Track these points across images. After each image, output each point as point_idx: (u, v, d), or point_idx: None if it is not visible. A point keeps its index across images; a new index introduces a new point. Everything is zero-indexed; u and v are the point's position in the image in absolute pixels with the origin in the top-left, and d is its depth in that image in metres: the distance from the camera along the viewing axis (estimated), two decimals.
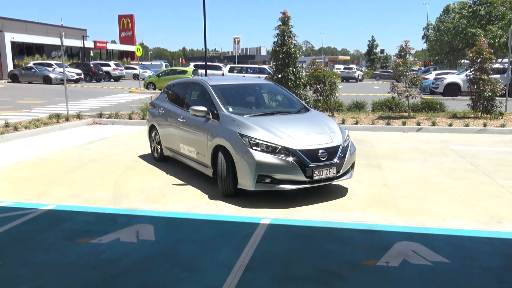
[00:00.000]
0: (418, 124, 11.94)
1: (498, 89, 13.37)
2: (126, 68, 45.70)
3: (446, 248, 4.22)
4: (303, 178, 5.41)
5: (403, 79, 13.99)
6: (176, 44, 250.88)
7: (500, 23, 25.67)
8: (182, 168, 7.44)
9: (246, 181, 5.49)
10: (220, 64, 33.89)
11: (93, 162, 7.97)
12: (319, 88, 13.82)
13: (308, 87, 14.26)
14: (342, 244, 4.34)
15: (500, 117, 13.11)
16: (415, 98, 14.08)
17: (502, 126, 11.57)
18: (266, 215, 5.17)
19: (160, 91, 9.63)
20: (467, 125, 11.79)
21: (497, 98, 13.54)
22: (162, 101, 8.03)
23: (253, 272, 3.74)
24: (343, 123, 12.17)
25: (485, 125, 11.73)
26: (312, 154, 5.45)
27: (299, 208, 5.43)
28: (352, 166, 6.08)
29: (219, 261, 3.95)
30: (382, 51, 74.97)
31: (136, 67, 40.70)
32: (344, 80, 45.59)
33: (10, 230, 4.71)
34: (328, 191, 6.13)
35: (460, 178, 6.81)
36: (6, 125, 11.12)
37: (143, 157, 8.42)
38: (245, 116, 6.13)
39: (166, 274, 3.71)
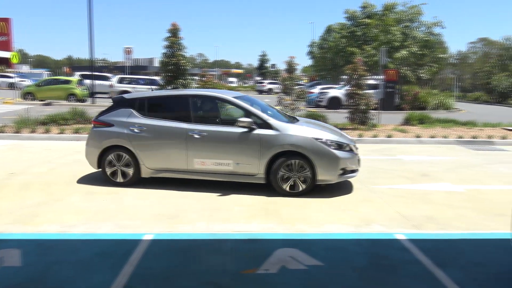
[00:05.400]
0: None
1: (371, 103, 14.75)
2: (1, 76, 41.43)
3: (322, 252, 4.49)
4: (359, 167, 6.90)
5: (290, 92, 14.73)
6: (62, 52, 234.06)
7: (373, 44, 28.43)
8: (62, 185, 6.91)
9: (329, 176, 6.53)
10: (109, 75, 32.40)
11: None
12: None
13: None
14: (225, 255, 4.37)
15: (374, 128, 14.45)
16: (300, 110, 14.91)
17: (375, 136, 12.78)
18: (149, 231, 5.01)
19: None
20: None
21: (371, 111, 14.90)
22: (132, 117, 7.06)
23: None
24: None
25: (360, 135, 12.83)
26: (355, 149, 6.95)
27: (184, 222, 5.37)
28: None
29: (94, 283, 3.71)
30: (273, 65, 78.15)
31: (13, 75, 37.14)
32: (258, 92, 50.11)
33: None
34: (215, 204, 6.16)
35: (337, 186, 7.32)
36: None
37: (17, 173, 7.64)
38: (293, 124, 6.98)
39: None
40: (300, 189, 6.57)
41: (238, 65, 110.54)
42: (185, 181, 6.99)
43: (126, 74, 30.31)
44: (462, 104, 32.11)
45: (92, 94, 25.42)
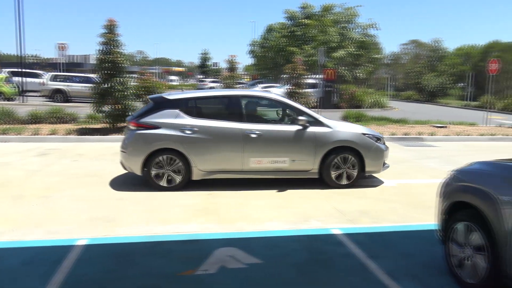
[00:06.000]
0: None
1: (311, 101, 15.14)
2: None
3: (261, 249, 4.53)
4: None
5: None
6: None
7: (313, 44, 29.17)
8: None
9: (376, 167, 7.23)
10: (40, 72, 30.67)
11: None
12: None
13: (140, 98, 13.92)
14: (163, 257, 4.28)
15: None
16: None
17: None
18: (83, 236, 4.80)
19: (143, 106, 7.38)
20: None
21: (311, 109, 15.24)
22: (180, 118, 6.78)
23: None
24: None
25: None
26: None
27: (121, 225, 5.20)
28: None
29: None
30: (215, 63, 77.62)
31: None
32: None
33: None
34: (154, 205, 6.02)
35: (277, 183, 7.42)
36: None
37: None
38: (337, 121, 7.52)
39: None
40: (351, 181, 7.12)
41: (179, 63, 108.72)
42: (120, 182, 6.78)
43: (60, 71, 28.80)
44: (395, 102, 33.78)
45: (22, 92, 23.96)
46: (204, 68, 74.82)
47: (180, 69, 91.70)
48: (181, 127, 6.71)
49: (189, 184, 6.87)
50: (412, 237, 5.05)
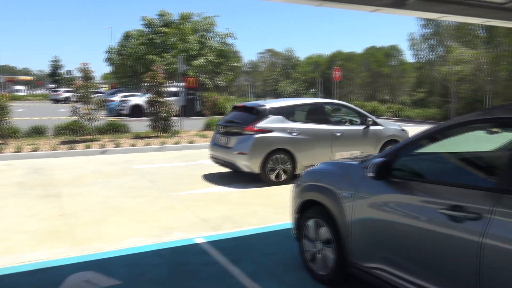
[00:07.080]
0: (103, 146, 11.98)
1: (172, 110, 14.96)
2: None
3: (120, 269, 4.27)
4: None
5: (88, 101, 13.77)
6: None
7: (173, 52, 28.97)
8: None
9: None
10: None
11: None
12: None
13: None
14: None
15: (176, 135, 14.68)
16: (100, 120, 14.09)
17: (177, 143, 12.99)
18: None
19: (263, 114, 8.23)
20: (148, 144, 12.62)
21: (173, 118, 15.09)
22: (285, 123, 8.14)
23: None
24: (19, 151, 10.91)
25: (163, 143, 12.86)
26: None
27: None
28: None
29: None
30: (68, 72, 71.91)
31: None
32: (53, 102, 47.28)
33: None
34: None
35: (138, 196, 7.14)
36: None
37: None
38: (383, 120, 9.70)
39: None
40: None
41: (26, 72, 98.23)
42: None
43: None
44: None
45: None
46: (56, 77, 68.89)
47: (28, 77, 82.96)
48: (288, 130, 8.11)
49: (34, 207, 6.18)
50: (273, 237, 5.28)
